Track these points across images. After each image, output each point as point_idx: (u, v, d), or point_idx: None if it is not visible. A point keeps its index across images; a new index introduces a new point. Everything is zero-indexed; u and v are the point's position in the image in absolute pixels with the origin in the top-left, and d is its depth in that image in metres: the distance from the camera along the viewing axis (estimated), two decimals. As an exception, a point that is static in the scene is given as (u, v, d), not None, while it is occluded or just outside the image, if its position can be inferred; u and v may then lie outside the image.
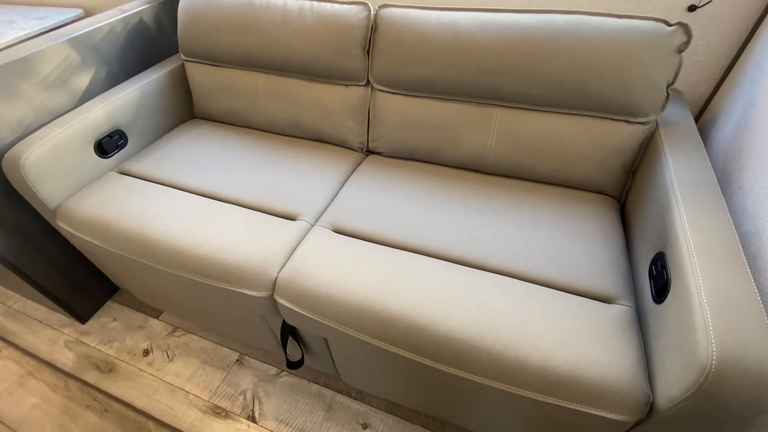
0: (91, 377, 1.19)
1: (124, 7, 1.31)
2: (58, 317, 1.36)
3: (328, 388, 1.13)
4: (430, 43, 1.00)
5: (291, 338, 0.98)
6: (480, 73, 0.98)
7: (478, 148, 1.06)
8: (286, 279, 0.83)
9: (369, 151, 1.22)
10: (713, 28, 0.99)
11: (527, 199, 0.98)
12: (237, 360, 1.21)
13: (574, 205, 0.97)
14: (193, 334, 1.28)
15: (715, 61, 1.03)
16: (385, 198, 1.00)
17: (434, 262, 0.83)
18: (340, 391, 1.12)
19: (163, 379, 1.17)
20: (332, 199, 1.04)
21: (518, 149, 1.02)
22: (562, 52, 0.90)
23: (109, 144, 1.13)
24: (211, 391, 1.14)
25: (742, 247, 0.76)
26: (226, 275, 0.86)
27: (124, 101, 1.16)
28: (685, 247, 0.65)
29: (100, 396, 1.15)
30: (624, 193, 1.03)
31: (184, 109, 1.38)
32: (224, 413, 1.09)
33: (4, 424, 1.10)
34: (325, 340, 0.92)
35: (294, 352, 1.07)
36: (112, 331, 1.31)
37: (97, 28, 1.19)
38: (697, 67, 1.05)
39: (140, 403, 1.12)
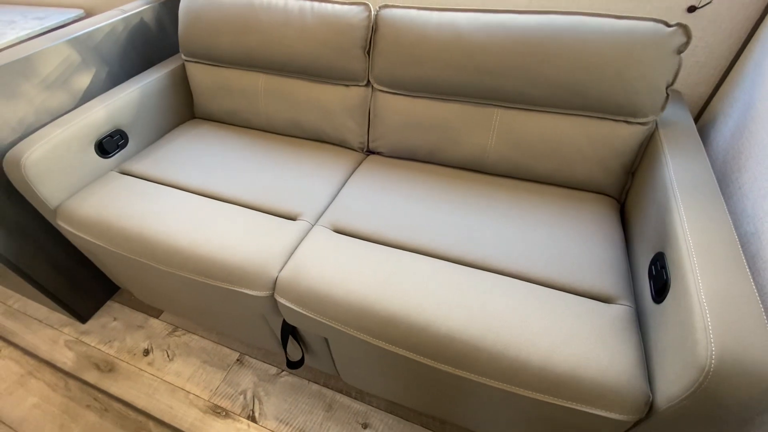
0: (92, 377, 1.19)
1: (125, 7, 1.31)
2: (59, 317, 1.36)
3: (328, 387, 1.13)
4: (430, 43, 1.00)
5: (291, 338, 0.98)
6: (480, 73, 0.98)
7: (479, 148, 1.06)
8: (286, 279, 0.83)
9: (369, 152, 1.22)
10: (713, 29, 0.99)
11: (527, 200, 0.99)
12: (237, 360, 1.21)
13: (574, 205, 0.97)
14: (194, 333, 1.28)
15: (715, 62, 1.03)
16: (386, 198, 1.01)
17: (435, 262, 0.83)
18: (340, 391, 1.12)
19: (164, 378, 1.18)
20: (332, 199, 1.05)
21: (518, 149, 1.03)
22: (562, 52, 0.91)
23: (109, 144, 1.13)
24: (211, 390, 1.14)
25: (742, 247, 0.76)
26: (226, 275, 0.86)
27: (125, 101, 1.16)
28: (684, 248, 0.66)
29: (100, 396, 1.15)
30: (624, 194, 1.03)
31: (185, 109, 1.38)
32: (224, 413, 1.09)
33: (4, 423, 1.10)
34: (326, 339, 0.93)
35: (294, 351, 1.07)
36: (112, 331, 1.31)
37: (97, 29, 1.19)
38: (696, 68, 1.06)
39: (140, 403, 1.12)
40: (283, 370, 1.18)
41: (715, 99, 1.06)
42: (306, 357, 1.06)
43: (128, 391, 1.15)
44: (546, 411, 0.68)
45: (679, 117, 0.97)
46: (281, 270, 0.85)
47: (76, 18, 1.66)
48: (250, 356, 1.22)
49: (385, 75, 1.09)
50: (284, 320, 0.91)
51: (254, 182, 1.06)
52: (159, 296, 1.16)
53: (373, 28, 1.07)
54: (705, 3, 0.96)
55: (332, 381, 1.15)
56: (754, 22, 0.95)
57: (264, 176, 1.08)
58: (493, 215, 0.94)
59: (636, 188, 0.97)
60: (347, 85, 1.16)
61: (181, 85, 1.34)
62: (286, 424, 1.06)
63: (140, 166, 1.14)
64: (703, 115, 1.11)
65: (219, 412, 1.10)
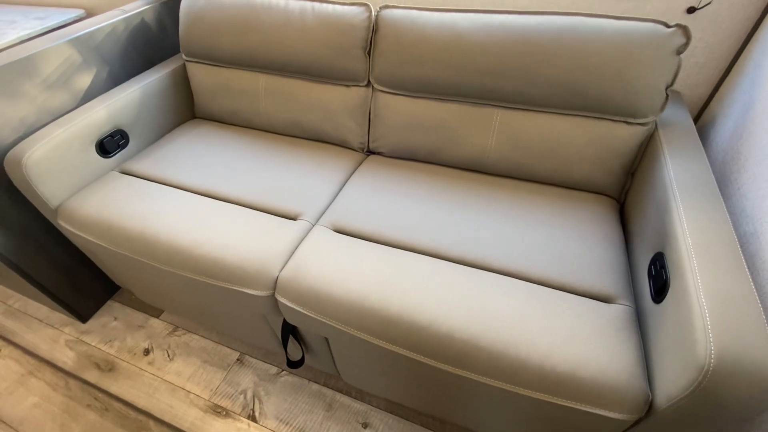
0: (92, 376, 1.19)
1: (126, 7, 1.31)
2: (59, 316, 1.36)
3: (328, 387, 1.13)
4: (430, 44, 1.00)
5: (292, 337, 0.98)
6: (480, 73, 0.99)
7: (479, 148, 1.06)
8: (287, 278, 0.83)
9: (370, 152, 1.22)
10: (712, 30, 0.99)
11: (527, 200, 0.99)
12: (237, 359, 1.21)
13: (574, 205, 0.97)
14: (194, 333, 1.29)
15: (714, 63, 1.04)
16: (386, 198, 1.01)
17: (435, 262, 0.83)
18: (341, 391, 1.13)
19: (164, 378, 1.18)
20: (333, 199, 1.05)
21: (518, 150, 1.03)
22: (562, 53, 0.91)
23: (110, 144, 1.14)
24: (211, 390, 1.14)
25: (741, 247, 0.76)
26: (227, 275, 0.86)
27: (126, 101, 1.17)
28: (684, 248, 0.66)
29: (100, 395, 1.15)
30: (623, 194, 1.03)
31: (186, 109, 1.38)
32: (225, 412, 1.10)
33: (4, 423, 1.10)
34: (326, 339, 0.93)
35: (294, 351, 1.07)
36: (112, 331, 1.31)
37: (98, 29, 1.20)
38: (696, 69, 1.06)
39: (141, 403, 1.13)
40: (283, 370, 1.18)
41: (714, 100, 1.07)
42: (306, 356, 1.06)
43: (129, 390, 1.15)
44: (546, 410, 0.69)
45: (678, 117, 0.98)
46: (282, 269, 0.86)
47: (77, 18, 1.66)
48: (251, 356, 1.22)
49: (386, 75, 1.09)
50: (285, 320, 0.92)
51: (255, 182, 1.06)
52: (159, 296, 1.16)
53: (374, 28, 1.07)
54: (704, 4, 0.96)
55: (332, 381, 1.15)
56: (753, 23, 0.95)
57: (265, 176, 1.09)
58: (494, 215, 0.94)
59: (635, 188, 0.97)
60: (348, 86, 1.16)
61: (182, 85, 1.35)
62: (287, 424, 1.07)
63: (141, 165, 1.14)
64: (702, 116, 1.11)
65: (219, 412, 1.10)
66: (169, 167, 1.13)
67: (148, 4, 1.34)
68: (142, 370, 1.20)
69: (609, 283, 0.79)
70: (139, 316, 1.34)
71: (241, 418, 1.08)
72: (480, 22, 0.97)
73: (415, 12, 1.04)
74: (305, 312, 0.81)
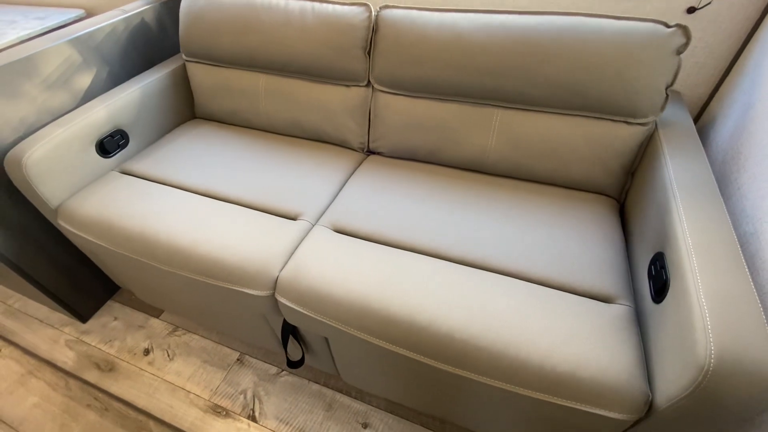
0: (92, 376, 1.19)
1: (126, 7, 1.31)
2: (59, 316, 1.36)
3: (328, 387, 1.13)
4: (430, 44, 1.00)
5: (292, 337, 0.98)
6: (480, 74, 0.99)
7: (479, 148, 1.06)
8: (287, 278, 0.83)
9: (370, 152, 1.22)
10: (712, 30, 0.99)
11: (527, 200, 0.99)
12: (237, 359, 1.21)
13: (574, 205, 0.97)
14: (194, 333, 1.29)
15: (714, 63, 1.04)
16: (386, 198, 1.01)
17: (435, 262, 0.83)
18: (340, 391, 1.13)
19: (164, 378, 1.18)
20: (333, 199, 1.05)
21: (518, 150, 1.03)
22: (562, 53, 0.91)
23: (110, 144, 1.14)
24: (211, 390, 1.14)
25: (741, 247, 0.76)
26: (227, 274, 0.86)
27: (126, 101, 1.17)
28: (684, 248, 0.66)
29: (100, 395, 1.15)
30: (623, 194, 1.03)
31: (186, 109, 1.38)
32: (225, 412, 1.10)
33: (4, 422, 1.10)
34: (326, 339, 0.93)
35: (294, 351, 1.07)
36: (112, 331, 1.31)
37: (98, 29, 1.20)
38: (696, 69, 1.06)
39: (141, 402, 1.13)
40: (283, 370, 1.18)
41: (714, 100, 1.07)
42: (306, 356, 1.06)
43: (128, 390, 1.15)
44: (546, 410, 0.69)
45: (678, 117, 0.98)
46: (282, 269, 0.86)
47: (77, 18, 1.66)
48: (251, 356, 1.22)
49: (386, 75, 1.09)
50: (285, 320, 0.92)
51: (255, 182, 1.07)
52: (159, 296, 1.16)
53: (374, 28, 1.08)
54: (704, 4, 0.97)
55: (332, 381, 1.15)
56: (753, 23, 0.95)
57: (265, 176, 1.09)
58: (494, 215, 0.94)
59: (635, 188, 0.97)
60: (348, 86, 1.16)
61: (182, 85, 1.35)
62: (287, 424, 1.07)
63: (141, 165, 1.14)
64: (702, 116, 1.11)
65: (219, 412, 1.10)
66: (169, 167, 1.13)
67: (148, 4, 1.34)
68: (142, 370, 1.20)
69: (609, 283, 0.79)
70: (139, 316, 1.34)
71: (241, 418, 1.08)
72: (480, 22, 0.97)
73: (415, 12, 1.04)
74: (305, 312, 0.81)
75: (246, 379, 1.16)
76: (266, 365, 1.19)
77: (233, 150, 1.19)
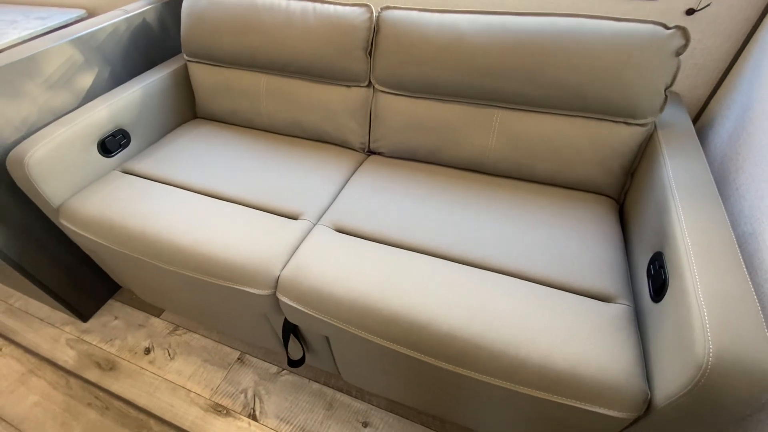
0: (93, 375, 1.19)
1: (128, 7, 1.32)
2: (60, 315, 1.37)
3: (328, 386, 1.14)
4: (431, 44, 1.01)
5: (292, 336, 0.99)
6: (480, 74, 0.99)
7: (479, 148, 1.07)
8: (288, 277, 0.83)
9: (370, 152, 1.23)
10: (711, 32, 1.00)
11: (527, 200, 0.99)
12: (238, 358, 1.21)
13: (574, 205, 0.98)
14: (195, 332, 1.29)
15: (713, 64, 1.04)
16: (387, 198, 1.01)
17: (435, 262, 0.84)
18: (341, 390, 1.13)
19: (165, 377, 1.18)
20: (334, 199, 1.05)
21: (518, 150, 1.03)
22: (561, 54, 0.91)
23: (112, 143, 1.14)
24: (212, 389, 1.15)
25: (739, 247, 0.77)
26: (229, 273, 0.86)
27: (127, 101, 1.17)
28: (682, 247, 0.66)
29: (101, 394, 1.15)
30: (623, 194, 1.04)
31: (187, 109, 1.39)
32: (225, 411, 1.10)
33: (5, 421, 1.11)
34: (327, 338, 0.93)
35: (295, 350, 1.07)
36: (113, 330, 1.31)
37: (100, 29, 1.20)
38: (695, 70, 1.07)
39: (141, 401, 1.13)
40: (283, 369, 1.19)
41: (713, 101, 1.07)
42: (307, 356, 1.06)
43: (129, 389, 1.16)
44: (546, 409, 0.69)
45: (677, 119, 0.98)
46: (283, 268, 0.86)
47: (79, 18, 1.66)
48: (251, 355, 1.22)
49: (387, 76, 1.09)
50: (286, 319, 0.92)
51: (256, 182, 1.07)
52: (160, 295, 1.17)
53: (375, 29, 1.08)
54: (703, 6, 0.97)
55: (333, 380, 1.15)
56: (752, 25, 0.96)
57: (266, 176, 1.09)
58: (494, 215, 0.95)
59: (635, 189, 0.98)
60: (349, 86, 1.16)
61: (183, 85, 1.35)
62: (287, 423, 1.07)
63: (142, 165, 1.15)
64: (701, 117, 1.12)
65: (220, 411, 1.10)
66: (170, 167, 1.13)
67: (149, 5, 1.35)
68: (142, 369, 1.20)
69: (608, 282, 0.80)
70: (140, 316, 1.35)
71: (242, 416, 1.09)
72: (480, 23, 0.98)
73: (415, 13, 1.04)
74: (306, 311, 0.81)
75: (247, 378, 1.17)
76: (267, 364, 1.20)
77: (234, 150, 1.20)
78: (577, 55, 0.90)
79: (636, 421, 0.66)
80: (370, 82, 1.15)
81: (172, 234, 0.92)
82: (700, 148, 0.88)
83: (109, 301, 1.40)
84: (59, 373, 1.21)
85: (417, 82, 1.06)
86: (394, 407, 1.09)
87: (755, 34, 0.95)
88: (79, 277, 1.27)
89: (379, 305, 0.76)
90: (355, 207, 0.99)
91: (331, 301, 0.79)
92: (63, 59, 1.11)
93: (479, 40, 0.97)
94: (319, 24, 1.09)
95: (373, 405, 1.10)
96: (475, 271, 0.82)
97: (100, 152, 1.12)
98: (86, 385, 1.17)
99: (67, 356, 1.25)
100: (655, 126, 0.97)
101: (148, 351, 1.25)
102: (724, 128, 0.97)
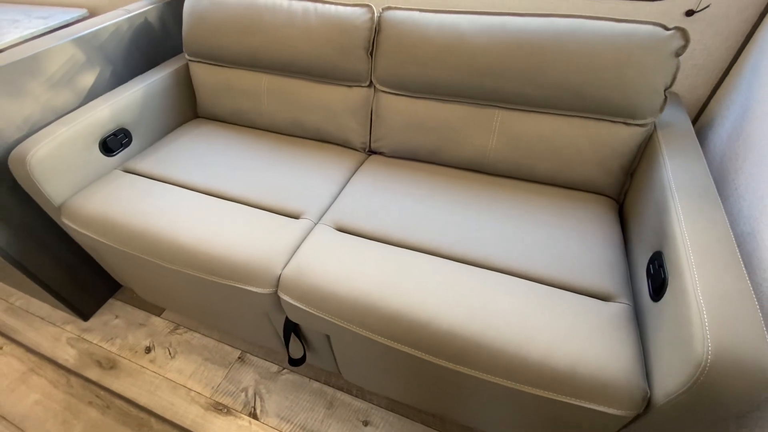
0: (93, 374, 1.20)
1: (129, 7, 1.32)
2: (61, 314, 1.37)
3: (329, 385, 1.14)
4: (432, 45, 1.01)
5: (293, 335, 0.99)
6: (481, 75, 1.00)
7: (479, 148, 1.07)
8: (290, 276, 0.84)
9: (371, 151, 1.23)
10: (711, 32, 1.00)
11: (527, 200, 1.00)
12: (239, 357, 1.22)
13: (574, 205, 0.98)
14: (195, 331, 1.29)
15: (713, 65, 1.05)
16: (388, 197, 1.02)
17: (436, 261, 0.84)
18: (341, 389, 1.13)
19: (165, 376, 1.18)
20: (335, 198, 1.06)
21: (519, 150, 1.04)
22: (562, 54, 0.92)
23: (113, 142, 1.14)
24: (212, 388, 1.15)
25: (738, 246, 0.78)
26: (230, 272, 0.87)
27: (129, 100, 1.17)
28: (682, 247, 0.67)
29: (102, 392, 1.15)
30: (622, 194, 1.04)
31: (188, 109, 1.39)
32: (226, 410, 1.10)
33: (6, 420, 1.11)
34: (327, 337, 0.94)
35: (296, 349, 1.08)
36: (114, 329, 1.31)
37: (102, 28, 1.20)
38: (694, 71, 1.07)
39: (142, 400, 1.13)
40: (284, 368, 1.19)
41: (712, 101, 1.08)
42: (308, 354, 1.07)
43: (130, 388, 1.16)
44: (545, 407, 0.69)
45: (677, 119, 0.99)
46: (285, 267, 0.86)
47: (80, 18, 1.67)
48: (252, 354, 1.22)
49: (388, 76, 1.10)
50: (287, 317, 0.92)
51: (257, 181, 1.07)
52: (161, 294, 1.17)
53: (376, 29, 1.08)
54: (703, 7, 0.98)
55: (333, 379, 1.15)
56: (751, 26, 0.96)
57: (267, 175, 1.09)
58: (494, 215, 0.95)
59: (634, 189, 0.98)
60: (350, 86, 1.17)
61: (185, 84, 1.35)
62: (288, 422, 1.07)
63: (144, 164, 1.15)
64: (700, 118, 1.12)
65: (220, 409, 1.10)
66: (171, 166, 1.13)
67: (151, 4, 1.35)
68: (143, 367, 1.21)
69: (608, 281, 0.80)
70: (141, 315, 1.35)
71: (243, 415, 1.09)
72: (481, 23, 0.98)
73: (416, 13, 1.05)
74: (307, 309, 0.81)
75: (247, 377, 1.17)
76: (267, 363, 1.20)
77: (236, 149, 1.20)
78: (577, 55, 0.91)
79: (635, 418, 0.66)
80: (371, 82, 1.15)
81: (174, 233, 0.93)
82: (700, 148, 0.89)
83: (110, 300, 1.40)
84: (60, 371, 1.21)
85: (418, 82, 1.07)
86: (394, 406, 1.09)
87: (754, 35, 0.95)
88: (80, 275, 1.28)
89: (379, 304, 0.76)
90: (356, 206, 0.99)
91: (333, 299, 0.79)
92: (65, 58, 1.12)
93: (479, 41, 0.98)
94: (321, 24, 1.10)
95: (373, 404, 1.10)
96: (475, 270, 0.82)
97: (101, 151, 1.12)
98: (87, 384, 1.17)
99: (67, 355, 1.25)
100: (655, 126, 0.97)
101: (148, 350, 1.25)
102: (723, 128, 0.97)
